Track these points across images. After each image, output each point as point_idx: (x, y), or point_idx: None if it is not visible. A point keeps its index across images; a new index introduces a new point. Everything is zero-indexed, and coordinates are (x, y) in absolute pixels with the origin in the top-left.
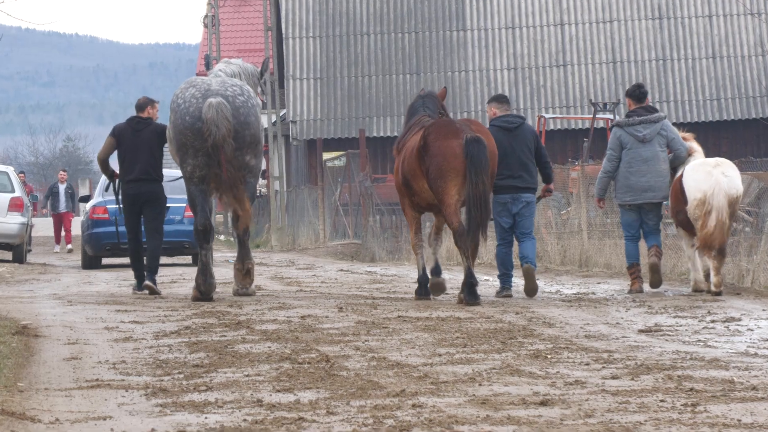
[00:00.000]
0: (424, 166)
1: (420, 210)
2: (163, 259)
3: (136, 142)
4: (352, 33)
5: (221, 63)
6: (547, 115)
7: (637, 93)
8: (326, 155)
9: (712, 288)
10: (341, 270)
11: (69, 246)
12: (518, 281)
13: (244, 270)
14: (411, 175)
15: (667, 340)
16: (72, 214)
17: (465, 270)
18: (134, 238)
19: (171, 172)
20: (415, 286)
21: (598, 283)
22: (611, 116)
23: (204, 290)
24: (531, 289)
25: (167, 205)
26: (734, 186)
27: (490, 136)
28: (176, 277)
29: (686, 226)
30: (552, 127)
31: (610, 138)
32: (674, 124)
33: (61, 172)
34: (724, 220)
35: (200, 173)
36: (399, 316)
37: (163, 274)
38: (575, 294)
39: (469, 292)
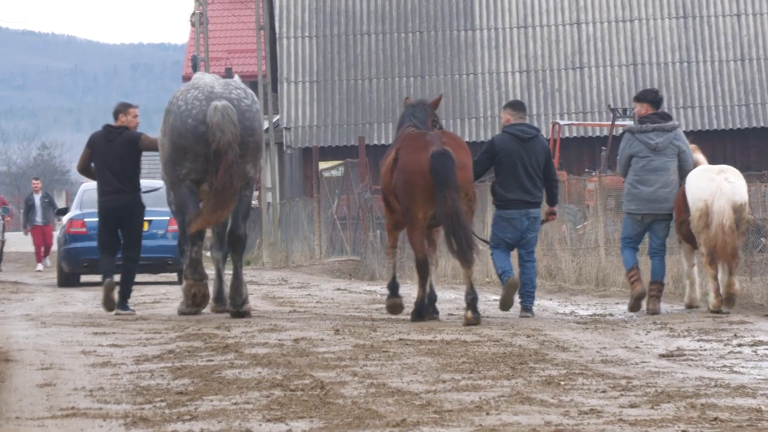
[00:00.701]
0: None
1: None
2: (145, 277)
3: (109, 153)
4: (351, 33)
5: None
6: (562, 122)
7: (653, 97)
8: (323, 164)
9: (718, 307)
10: (338, 289)
11: (39, 266)
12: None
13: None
14: (387, 192)
15: (690, 365)
16: (51, 226)
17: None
18: (107, 253)
19: (150, 182)
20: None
21: (617, 303)
22: (631, 122)
23: (194, 277)
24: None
25: (149, 218)
26: (738, 193)
27: (463, 148)
28: (159, 296)
29: (690, 239)
30: (567, 134)
31: (621, 144)
32: (699, 132)
33: (34, 181)
34: (728, 225)
35: (196, 177)
36: (400, 339)
37: (146, 293)
38: (591, 315)
39: (471, 306)
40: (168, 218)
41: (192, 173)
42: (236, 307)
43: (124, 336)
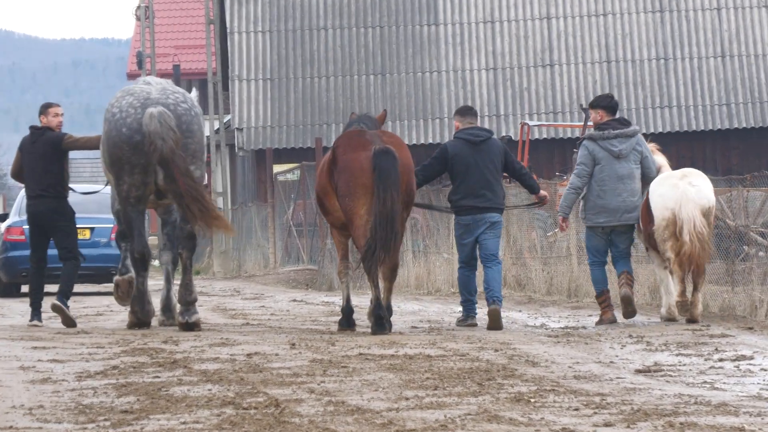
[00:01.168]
0: (333, 182)
1: (346, 233)
2: (88, 287)
3: (33, 155)
4: (307, 27)
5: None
6: (531, 123)
7: (607, 103)
8: (277, 168)
9: (680, 304)
10: (294, 300)
11: None
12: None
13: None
14: (323, 192)
15: (668, 381)
16: None
17: (372, 298)
18: (36, 261)
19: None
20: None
21: (590, 315)
22: None
23: (142, 318)
24: (495, 329)
25: (92, 225)
26: (704, 196)
27: (404, 148)
28: (102, 308)
29: (657, 246)
30: (537, 135)
31: (580, 152)
32: (677, 133)
33: None
34: (700, 230)
35: (137, 193)
36: (360, 354)
37: (88, 305)
38: (563, 328)
39: (376, 322)
40: (111, 225)
41: (132, 189)
42: (186, 305)
43: (65, 351)
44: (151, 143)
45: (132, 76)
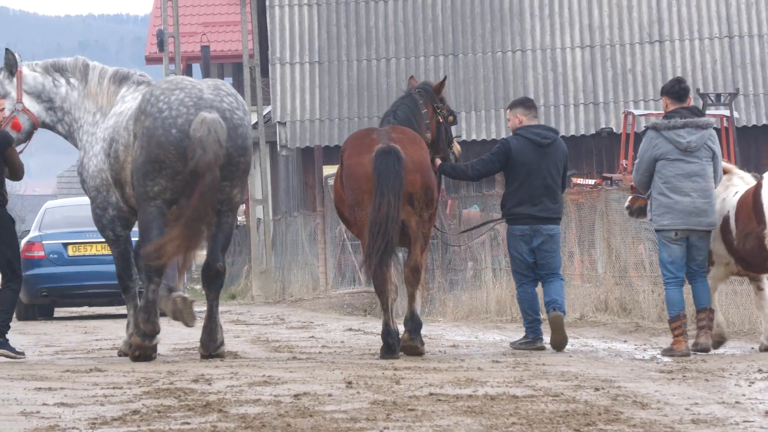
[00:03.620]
0: (344, 190)
1: None
2: (102, 310)
3: None
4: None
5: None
6: (636, 111)
7: (677, 89)
8: (328, 169)
9: None
10: (350, 329)
11: None
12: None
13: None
14: (339, 202)
15: None
16: None
17: (383, 322)
18: None
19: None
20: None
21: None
22: (726, 112)
23: (146, 330)
24: (559, 342)
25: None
26: None
27: (416, 144)
28: (118, 340)
29: (753, 256)
30: (643, 126)
31: (642, 143)
32: None
33: None
34: None
35: (171, 197)
36: (431, 394)
37: (101, 337)
38: (678, 362)
39: (383, 347)
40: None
41: (167, 192)
42: (208, 351)
43: (75, 392)
44: (192, 150)
45: (152, 60)
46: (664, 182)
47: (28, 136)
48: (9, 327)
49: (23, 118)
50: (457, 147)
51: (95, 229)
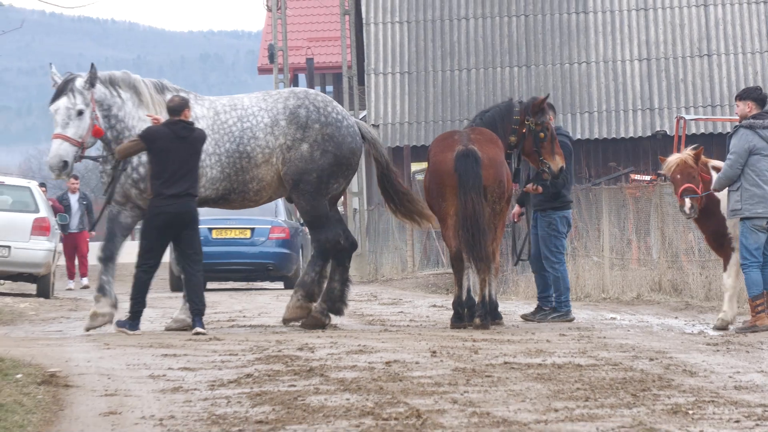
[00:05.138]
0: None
1: None
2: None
3: (180, 151)
4: (447, 17)
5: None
6: (687, 116)
7: (761, 95)
8: (415, 166)
9: None
10: (434, 306)
11: (84, 280)
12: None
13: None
14: (426, 193)
15: None
16: (89, 235)
17: (454, 297)
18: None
19: None
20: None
21: (730, 323)
22: None
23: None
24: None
25: (252, 226)
26: None
27: (492, 144)
28: (234, 314)
29: None
30: (694, 130)
31: (734, 140)
32: None
33: (72, 180)
34: None
35: (336, 193)
36: (505, 363)
37: (219, 311)
38: (723, 335)
39: (453, 316)
40: (269, 226)
41: (338, 189)
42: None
43: (197, 358)
44: (372, 148)
45: (263, 71)
46: (757, 175)
47: (95, 142)
48: (204, 306)
49: (99, 124)
50: (556, 162)
51: (234, 216)
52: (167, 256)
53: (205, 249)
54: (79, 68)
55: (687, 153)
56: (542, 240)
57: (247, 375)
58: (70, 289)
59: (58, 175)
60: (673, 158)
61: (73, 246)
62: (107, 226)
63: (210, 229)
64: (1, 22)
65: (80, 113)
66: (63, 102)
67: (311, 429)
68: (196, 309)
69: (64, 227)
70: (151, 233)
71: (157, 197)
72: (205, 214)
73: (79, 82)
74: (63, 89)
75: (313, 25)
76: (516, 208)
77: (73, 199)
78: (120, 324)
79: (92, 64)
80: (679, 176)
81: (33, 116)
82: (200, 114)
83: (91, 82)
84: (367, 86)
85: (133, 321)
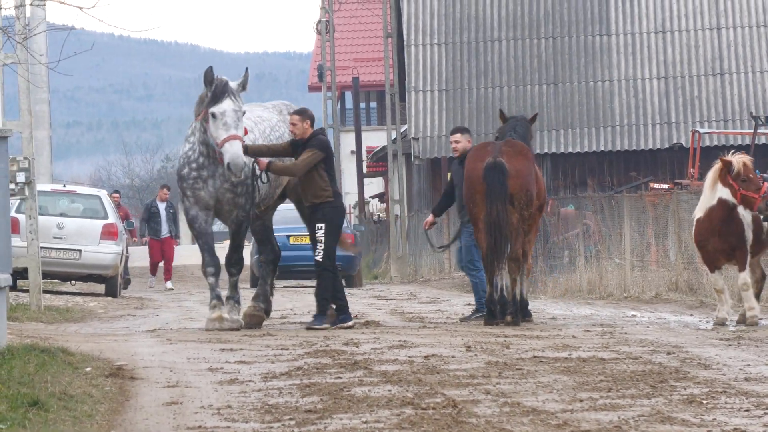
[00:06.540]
0: None
1: None
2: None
3: None
4: (482, 39)
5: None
6: (702, 130)
7: None
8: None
9: None
10: (469, 304)
11: (168, 284)
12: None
13: None
14: (465, 200)
15: None
16: (175, 241)
17: (486, 294)
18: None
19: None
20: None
21: (761, 319)
22: None
23: None
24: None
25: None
26: None
27: (521, 155)
28: (286, 312)
29: None
30: (708, 143)
31: None
32: None
33: (164, 190)
34: None
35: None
36: (534, 357)
37: (273, 308)
38: (734, 331)
39: (486, 313)
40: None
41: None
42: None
43: (252, 353)
44: None
45: (313, 89)
46: None
47: None
48: (340, 300)
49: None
50: None
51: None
52: (247, 258)
53: (284, 253)
54: (146, 87)
55: (746, 156)
56: (465, 249)
57: (298, 368)
58: (151, 288)
59: (239, 175)
60: (743, 158)
61: (159, 249)
62: (259, 237)
63: (288, 236)
64: (74, 44)
65: (243, 115)
66: (229, 104)
67: (356, 417)
68: (341, 305)
69: (156, 232)
70: (338, 231)
71: (338, 197)
72: (283, 222)
73: (234, 86)
74: (223, 92)
75: (359, 47)
76: (430, 217)
77: (161, 207)
78: (335, 321)
79: (246, 69)
80: (751, 176)
81: (103, 130)
82: (266, 116)
83: (244, 85)
84: (407, 103)
85: (345, 315)
